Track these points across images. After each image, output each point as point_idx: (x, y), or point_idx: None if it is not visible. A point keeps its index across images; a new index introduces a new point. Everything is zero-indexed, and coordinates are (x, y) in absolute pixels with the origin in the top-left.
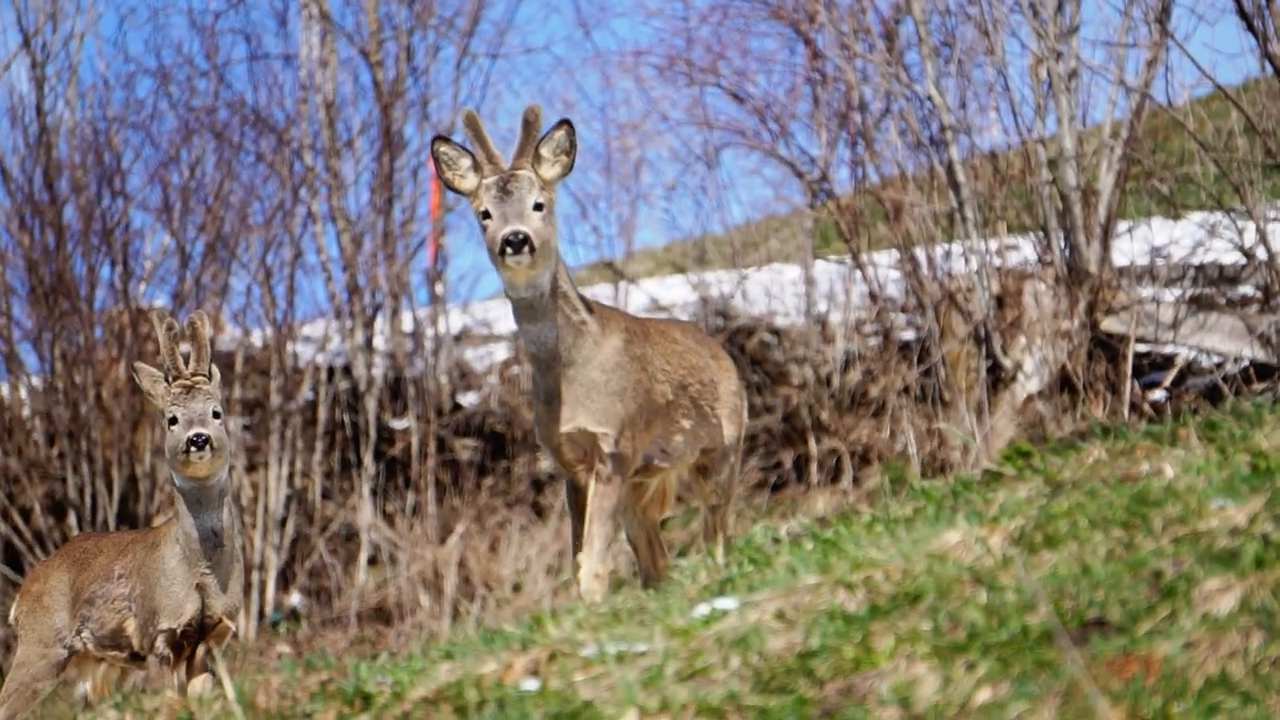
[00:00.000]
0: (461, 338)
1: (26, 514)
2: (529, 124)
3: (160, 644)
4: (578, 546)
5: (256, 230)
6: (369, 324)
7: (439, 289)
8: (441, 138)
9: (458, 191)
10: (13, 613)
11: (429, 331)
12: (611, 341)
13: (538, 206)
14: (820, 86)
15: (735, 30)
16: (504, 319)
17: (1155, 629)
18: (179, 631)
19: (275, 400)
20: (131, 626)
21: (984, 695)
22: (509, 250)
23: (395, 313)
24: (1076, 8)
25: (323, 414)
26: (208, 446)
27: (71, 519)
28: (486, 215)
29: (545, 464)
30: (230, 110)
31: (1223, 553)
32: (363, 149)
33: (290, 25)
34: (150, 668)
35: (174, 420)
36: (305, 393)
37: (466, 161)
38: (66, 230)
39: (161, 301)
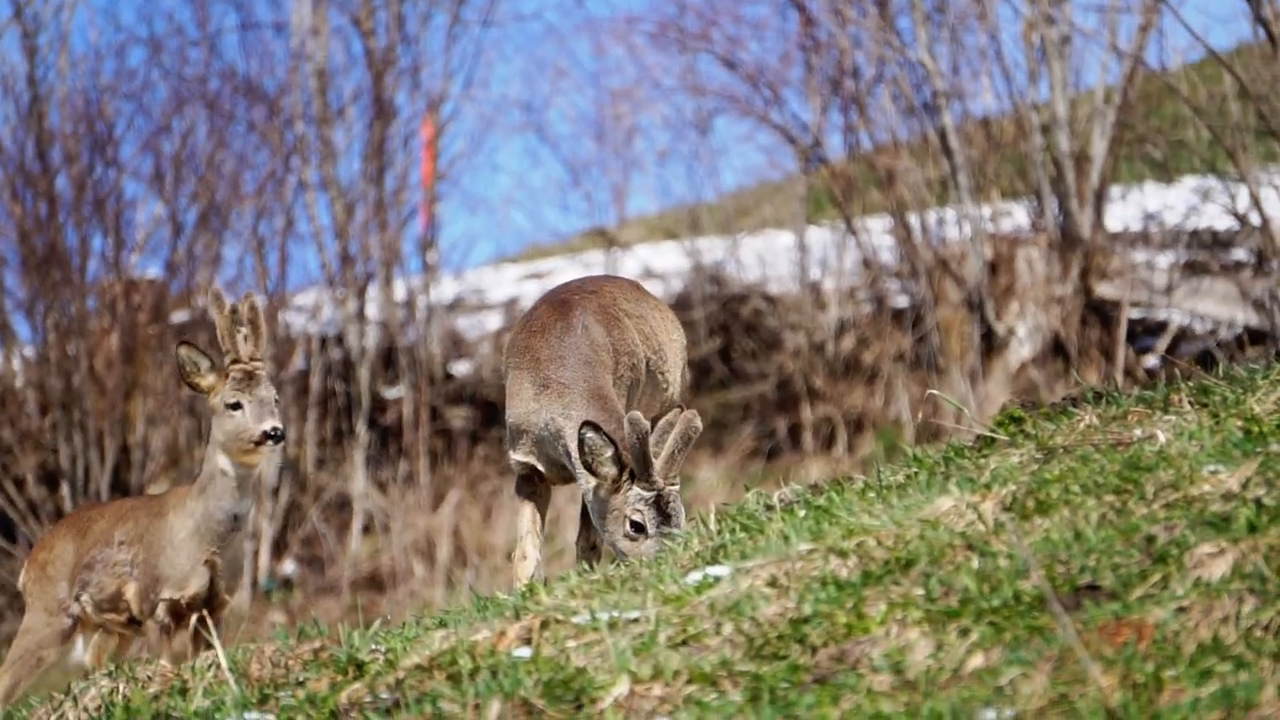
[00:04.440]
0: (454, 306)
1: (20, 484)
2: (688, 438)
3: (161, 612)
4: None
5: (248, 199)
6: (361, 293)
7: (431, 257)
8: (591, 423)
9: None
10: (21, 580)
11: (421, 300)
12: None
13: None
14: (813, 53)
15: None
16: (496, 287)
17: (1147, 594)
18: (183, 603)
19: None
20: (131, 591)
21: (976, 661)
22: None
23: (388, 281)
24: None
25: (315, 383)
26: (283, 440)
27: (64, 489)
28: (639, 528)
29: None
30: (222, 79)
31: (1215, 518)
32: (354, 117)
33: None
34: (149, 633)
35: (236, 406)
36: (298, 362)
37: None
38: (58, 200)
39: (154, 271)
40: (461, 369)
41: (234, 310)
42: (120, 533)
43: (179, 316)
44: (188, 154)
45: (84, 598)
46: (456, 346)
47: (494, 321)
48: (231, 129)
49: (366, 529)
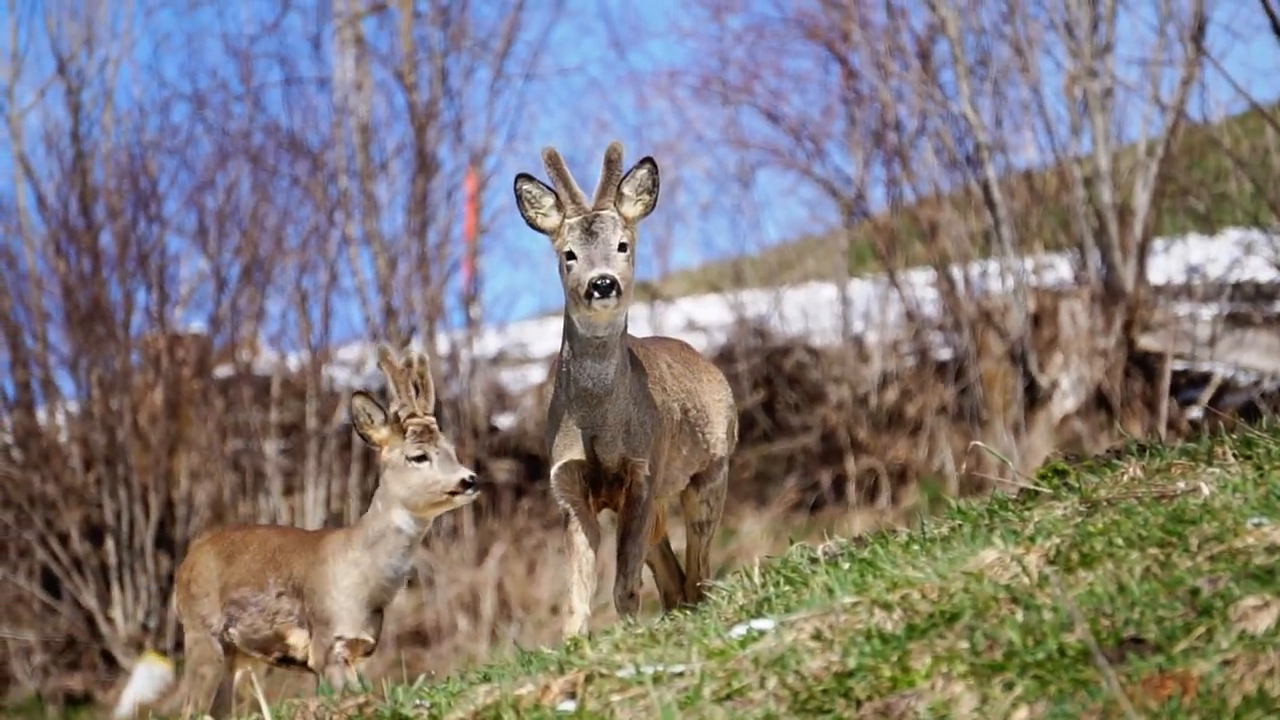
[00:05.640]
0: (497, 360)
1: (64, 539)
2: (611, 162)
3: (339, 649)
4: (578, 590)
5: (292, 254)
6: (404, 346)
7: (474, 311)
8: (525, 176)
9: (539, 230)
10: (174, 604)
11: (465, 354)
12: (637, 370)
13: (621, 247)
14: (855, 106)
15: (770, 50)
16: (539, 341)
17: (1192, 647)
18: (356, 640)
19: (311, 423)
20: (299, 641)
21: (1021, 714)
22: (596, 294)
23: (431, 335)
24: (1111, 26)
25: (358, 437)
26: (479, 489)
27: (109, 544)
28: (571, 256)
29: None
30: (265, 134)
31: (1260, 570)
32: (397, 171)
33: (324, 49)
34: (333, 677)
35: (422, 458)
36: (341, 416)
37: (550, 200)
38: (102, 255)
39: (198, 326)
40: (505, 422)
41: (409, 364)
42: (275, 579)
43: (223, 371)
44: (231, 209)
45: (233, 632)
46: (500, 400)
47: (537, 375)
48: (275, 184)
49: (410, 583)
